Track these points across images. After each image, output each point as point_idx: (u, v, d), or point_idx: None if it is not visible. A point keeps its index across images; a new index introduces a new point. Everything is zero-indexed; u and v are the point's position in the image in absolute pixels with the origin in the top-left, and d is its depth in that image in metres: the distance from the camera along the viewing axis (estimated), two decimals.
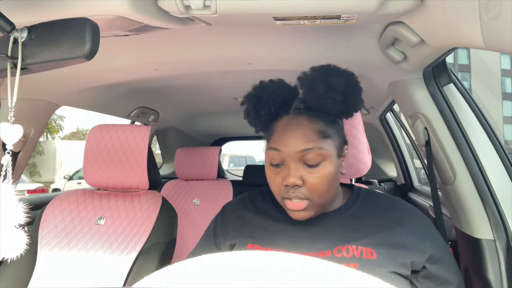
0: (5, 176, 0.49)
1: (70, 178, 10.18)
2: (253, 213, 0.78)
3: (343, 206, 0.74)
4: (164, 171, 2.95)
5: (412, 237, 0.67)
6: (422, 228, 0.70)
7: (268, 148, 0.71)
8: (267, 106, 0.72)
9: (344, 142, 0.74)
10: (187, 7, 0.70)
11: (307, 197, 0.66)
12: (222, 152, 2.36)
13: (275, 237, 0.71)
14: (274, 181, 0.69)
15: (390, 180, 2.55)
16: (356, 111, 0.74)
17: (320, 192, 0.67)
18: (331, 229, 0.70)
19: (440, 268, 0.67)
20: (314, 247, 0.68)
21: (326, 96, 0.67)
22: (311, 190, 0.66)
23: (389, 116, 2.12)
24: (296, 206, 0.66)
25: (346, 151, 0.75)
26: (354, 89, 0.70)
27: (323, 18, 0.71)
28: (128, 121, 1.99)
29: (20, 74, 0.55)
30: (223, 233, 0.78)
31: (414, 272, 0.66)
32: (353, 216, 0.72)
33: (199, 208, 1.99)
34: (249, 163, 9.29)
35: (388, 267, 0.63)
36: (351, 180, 1.24)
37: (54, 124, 17.29)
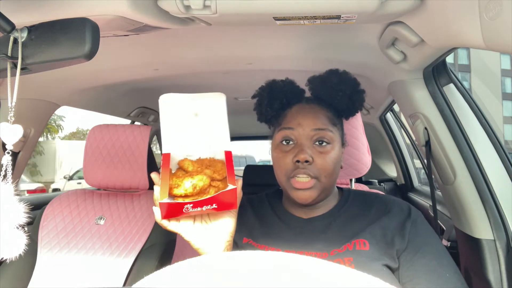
0: (5, 176, 0.49)
1: (70, 178, 10.17)
2: (251, 215, 0.81)
3: (335, 207, 0.77)
4: None
5: (397, 225, 0.69)
6: (406, 215, 0.71)
7: (280, 129, 0.74)
8: (280, 96, 0.78)
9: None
10: (187, 7, 0.70)
11: (316, 175, 0.69)
12: None
13: (271, 239, 0.73)
14: (283, 160, 0.72)
15: (390, 180, 2.55)
16: (357, 111, 0.80)
17: (327, 172, 0.70)
18: (326, 231, 0.72)
19: (418, 255, 0.66)
20: (309, 249, 0.69)
21: (338, 88, 0.74)
22: (319, 169, 0.69)
23: (389, 116, 2.12)
24: (302, 185, 0.69)
25: (344, 148, 0.79)
26: (359, 90, 0.77)
27: (323, 18, 0.71)
28: (128, 121, 1.99)
29: (20, 74, 0.55)
30: None
31: (399, 261, 0.67)
32: (345, 216, 0.74)
33: None
34: (249, 163, 9.29)
35: (380, 260, 0.65)
36: (351, 180, 1.24)
37: (54, 124, 17.29)
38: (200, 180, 0.58)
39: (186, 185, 0.57)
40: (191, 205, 0.55)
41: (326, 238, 0.70)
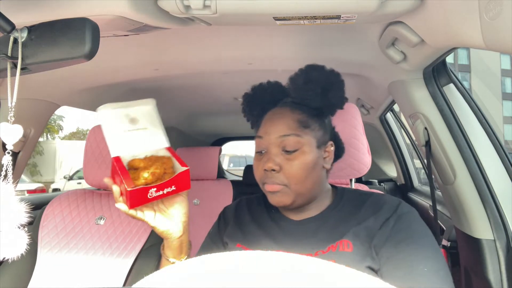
0: (5, 176, 0.49)
1: (70, 178, 10.18)
2: (247, 217, 0.80)
3: (327, 208, 0.74)
4: None
5: (382, 223, 0.66)
6: (392, 212, 0.67)
7: (255, 138, 0.76)
8: (259, 102, 0.79)
9: (329, 138, 0.76)
10: (187, 7, 0.70)
11: (284, 183, 0.69)
12: (222, 152, 2.36)
13: (262, 240, 0.73)
14: (257, 167, 0.74)
15: (390, 180, 2.55)
16: (339, 107, 0.77)
17: (296, 179, 0.69)
18: (316, 233, 0.70)
19: (397, 249, 0.62)
20: (296, 251, 0.68)
21: (306, 88, 0.73)
22: (288, 176, 0.69)
23: (389, 116, 2.12)
24: (272, 188, 0.70)
25: (332, 148, 0.76)
26: (334, 84, 0.74)
27: (323, 18, 0.72)
28: None
29: (20, 74, 0.55)
30: (224, 231, 0.81)
31: (378, 258, 0.63)
32: (337, 217, 0.72)
33: (199, 208, 1.99)
34: (249, 163, 9.27)
35: (363, 262, 0.62)
36: (351, 180, 1.24)
37: (54, 124, 17.29)
38: (156, 168, 0.66)
39: (145, 175, 0.65)
40: (155, 189, 0.64)
41: (315, 240, 0.69)
